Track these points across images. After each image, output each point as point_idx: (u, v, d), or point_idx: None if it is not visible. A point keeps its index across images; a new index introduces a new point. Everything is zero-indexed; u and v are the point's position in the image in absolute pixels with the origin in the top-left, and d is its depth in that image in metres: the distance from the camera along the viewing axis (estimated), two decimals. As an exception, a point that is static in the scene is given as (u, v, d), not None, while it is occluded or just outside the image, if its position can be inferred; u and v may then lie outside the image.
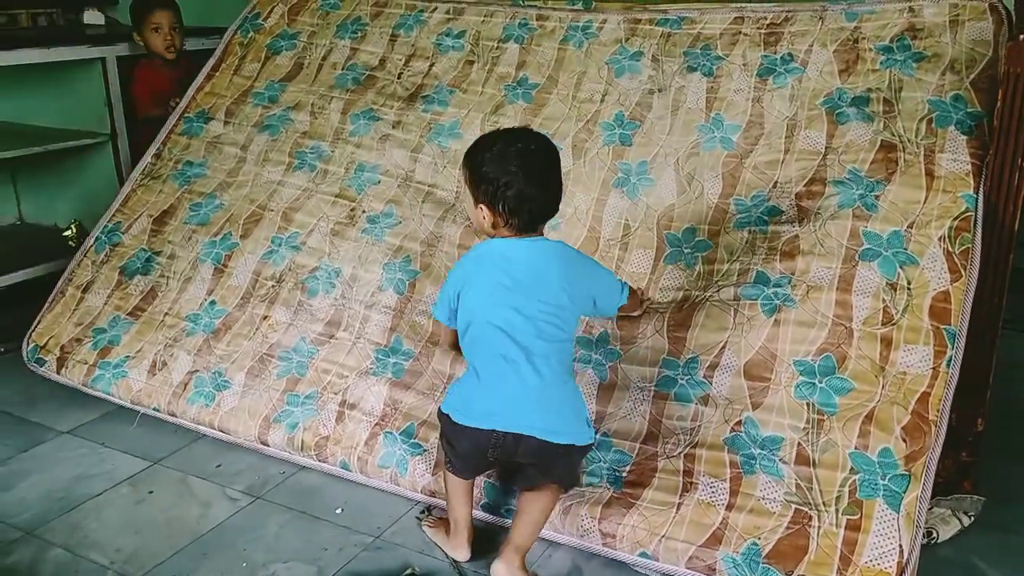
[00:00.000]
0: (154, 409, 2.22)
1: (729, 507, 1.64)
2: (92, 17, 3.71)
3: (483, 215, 1.66)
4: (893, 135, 2.00)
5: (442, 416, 1.71)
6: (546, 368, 1.62)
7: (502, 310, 1.62)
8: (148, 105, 3.10)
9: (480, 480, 1.81)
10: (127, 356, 2.30)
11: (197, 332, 2.30)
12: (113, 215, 2.65)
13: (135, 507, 1.95)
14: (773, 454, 1.69)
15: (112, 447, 2.19)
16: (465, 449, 1.67)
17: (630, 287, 1.87)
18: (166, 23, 3.06)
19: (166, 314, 2.37)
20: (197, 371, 2.21)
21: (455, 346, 1.77)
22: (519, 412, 1.61)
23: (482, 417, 1.62)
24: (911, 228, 1.85)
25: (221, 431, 2.13)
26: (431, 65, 2.68)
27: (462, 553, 1.75)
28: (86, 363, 2.32)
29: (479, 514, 1.82)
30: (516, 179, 1.61)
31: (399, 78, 2.69)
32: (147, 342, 2.31)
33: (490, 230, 1.68)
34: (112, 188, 2.99)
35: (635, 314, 1.98)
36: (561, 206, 2.17)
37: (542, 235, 1.70)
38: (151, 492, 2.01)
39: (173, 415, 2.19)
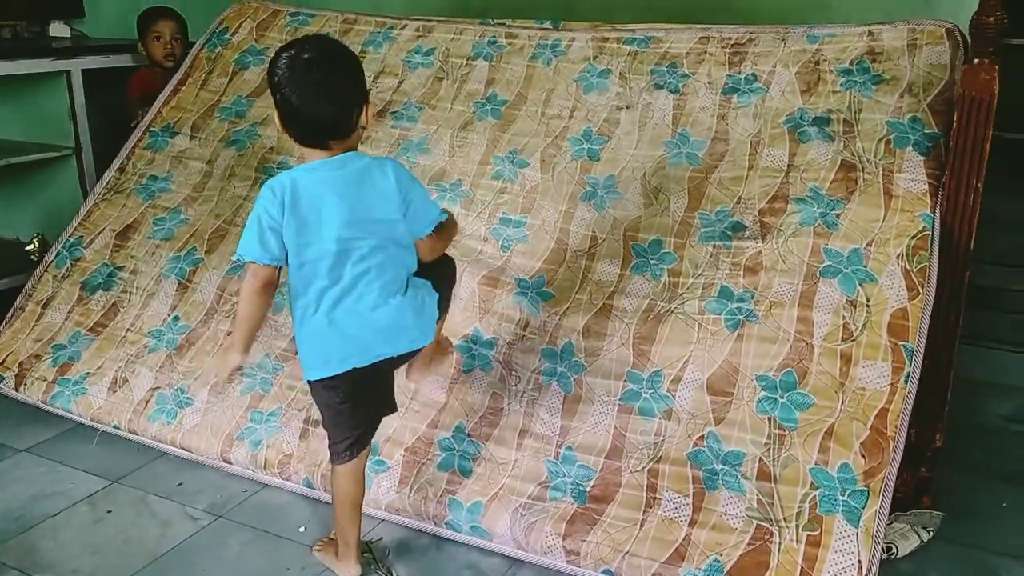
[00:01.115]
0: (114, 427, 2.18)
1: (692, 523, 1.65)
2: (58, 30, 3.68)
3: (275, 116, 1.58)
4: (853, 155, 2.04)
5: (314, 385, 1.64)
6: (385, 291, 1.58)
7: (323, 245, 1.55)
8: (138, 106, 3.05)
9: (445, 498, 1.81)
10: (87, 373, 2.26)
11: (160, 348, 2.27)
12: (75, 229, 2.62)
13: (93, 527, 1.92)
14: (735, 469, 1.70)
15: (71, 465, 2.15)
16: (333, 394, 1.63)
17: (442, 221, 1.68)
18: (168, 32, 3.07)
19: (128, 330, 2.34)
20: (159, 388, 2.19)
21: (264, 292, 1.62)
22: (377, 343, 1.60)
23: (343, 361, 1.59)
24: (870, 246, 1.88)
25: (183, 449, 2.10)
26: (400, 82, 2.68)
27: (353, 570, 1.73)
28: (45, 380, 2.28)
29: (444, 531, 1.82)
30: (283, 88, 1.52)
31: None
32: (108, 358, 2.28)
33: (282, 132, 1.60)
34: (76, 202, 2.96)
35: (439, 251, 1.74)
36: (528, 218, 2.20)
37: (350, 151, 1.59)
38: (110, 511, 1.97)
39: (134, 433, 2.16)
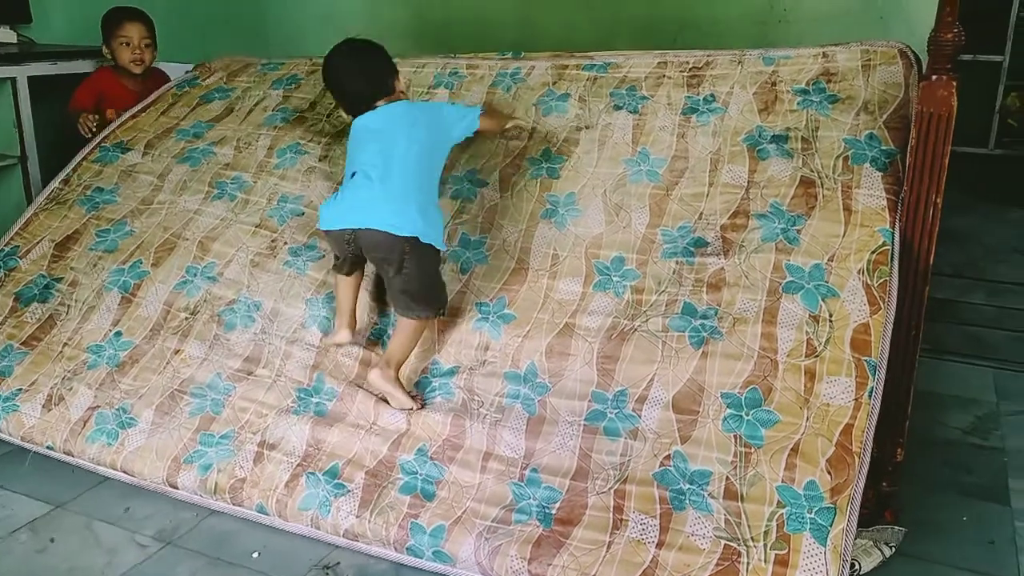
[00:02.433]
0: (47, 447, 2.07)
1: (659, 544, 1.61)
2: (3, 35, 3.56)
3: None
4: (812, 171, 2.05)
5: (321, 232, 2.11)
6: (400, 182, 1.97)
7: (367, 149, 2.03)
8: (82, 106, 2.95)
9: (407, 522, 1.75)
10: (19, 389, 2.15)
11: (100, 365, 2.17)
12: (11, 239, 2.51)
13: (35, 556, 1.82)
14: (702, 489, 1.67)
15: (10, 489, 2.05)
16: (334, 247, 2.06)
17: (483, 108, 2.25)
18: (136, 37, 2.95)
19: (65, 344, 2.24)
20: (99, 407, 2.08)
21: None
22: (366, 212, 1.95)
23: (336, 220, 2.00)
24: (831, 261, 1.88)
25: (125, 472, 2.00)
26: None
27: (343, 335, 2.08)
28: (-27, 397, 2.16)
29: (405, 558, 1.76)
30: (334, 78, 2.16)
31: (328, 118, 2.67)
32: (43, 374, 2.18)
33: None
34: (22, 213, 2.84)
35: (506, 126, 2.39)
36: (488, 238, 2.17)
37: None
38: (52, 540, 1.88)
39: (69, 454, 2.05)
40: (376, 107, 2.09)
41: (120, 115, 2.88)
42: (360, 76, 2.11)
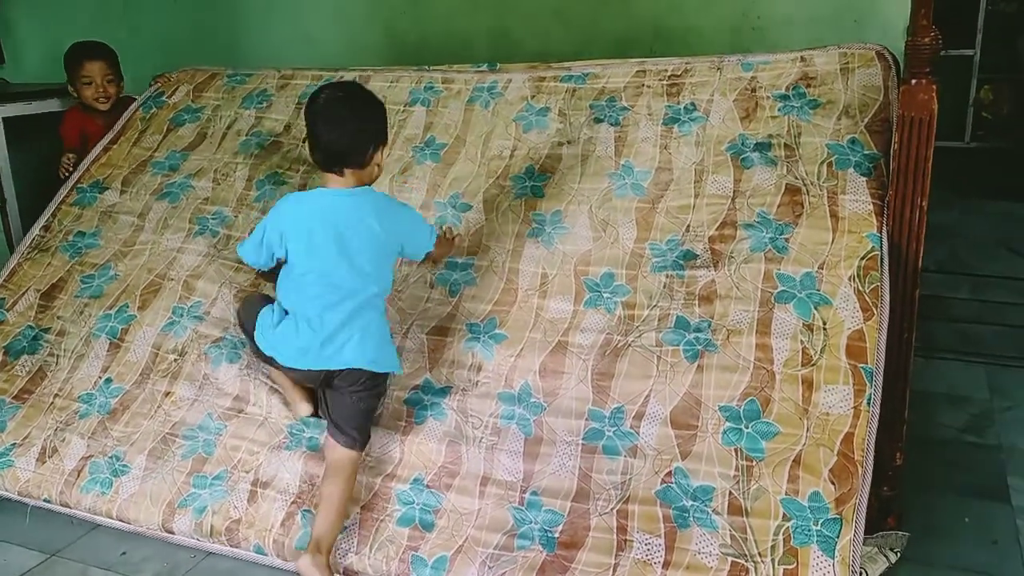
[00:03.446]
0: (44, 500, 2.03)
1: (666, 564, 1.60)
2: (-24, 77, 3.52)
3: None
4: (796, 178, 2.05)
5: (260, 354, 1.95)
6: (372, 314, 1.87)
7: (324, 255, 1.84)
8: (72, 144, 2.92)
9: (407, 556, 1.72)
10: (13, 444, 2.11)
11: (91, 413, 2.14)
12: (-4, 292, 2.47)
13: (28, 609, 1.78)
14: (706, 505, 1.66)
15: (4, 540, 2.01)
16: (292, 376, 1.94)
17: (438, 233, 2.08)
18: (98, 76, 2.91)
19: (56, 395, 2.20)
20: (92, 456, 2.05)
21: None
22: (344, 350, 1.83)
23: (299, 356, 1.86)
24: (822, 269, 1.88)
25: (120, 520, 1.96)
26: None
27: (304, 408, 1.98)
28: (-33, 454, 2.12)
29: None
30: (316, 122, 1.86)
31: (304, 142, 2.64)
32: (35, 427, 2.14)
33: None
34: (3, 258, 2.81)
35: (445, 257, 2.20)
36: (476, 260, 2.15)
37: (361, 184, 1.90)
38: (46, 590, 1.84)
39: (66, 506, 2.01)
40: (343, 176, 1.87)
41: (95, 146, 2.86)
42: (342, 126, 1.85)
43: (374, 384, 1.90)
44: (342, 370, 1.85)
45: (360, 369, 1.85)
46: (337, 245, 1.84)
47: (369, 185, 1.92)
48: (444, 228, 2.25)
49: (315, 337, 1.84)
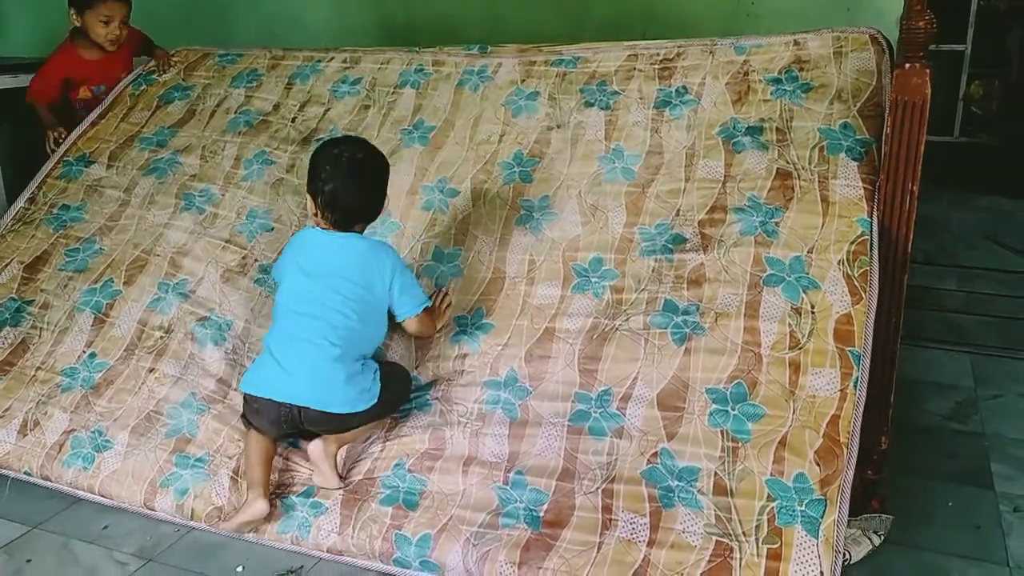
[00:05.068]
0: (25, 473, 2.01)
1: (650, 543, 1.60)
2: (-36, 53, 3.47)
3: (309, 203, 1.93)
4: (788, 163, 2.05)
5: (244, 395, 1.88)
6: (330, 347, 1.80)
7: (296, 290, 1.86)
8: (44, 98, 2.85)
9: (391, 534, 1.72)
10: (-7, 417, 2.09)
11: (74, 388, 2.11)
12: (-22, 264, 2.44)
13: (10, 580, 1.76)
14: (691, 485, 1.66)
15: (-17, 513, 1.99)
16: (261, 421, 1.84)
17: (428, 306, 1.98)
18: (118, 17, 2.83)
19: (38, 368, 2.18)
20: (74, 430, 2.03)
21: None
22: (299, 386, 1.79)
23: (266, 388, 1.81)
24: (811, 253, 1.88)
25: (102, 496, 1.95)
26: (326, 110, 2.63)
27: (258, 507, 1.77)
28: (-54, 427, 2.09)
29: (391, 569, 1.73)
30: (335, 179, 1.86)
31: (293, 122, 2.63)
32: (16, 399, 2.11)
33: (313, 219, 1.94)
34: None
35: (428, 334, 2.05)
36: (463, 250, 2.14)
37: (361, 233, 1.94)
38: (29, 560, 1.82)
39: (47, 479, 1.99)
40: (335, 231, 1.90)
41: (94, 91, 2.85)
42: (376, 194, 1.93)
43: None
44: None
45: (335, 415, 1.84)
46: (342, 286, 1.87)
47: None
48: (440, 293, 2.12)
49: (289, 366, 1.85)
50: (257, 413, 1.84)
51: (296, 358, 1.81)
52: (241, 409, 1.93)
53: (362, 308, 1.85)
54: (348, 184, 1.86)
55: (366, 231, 1.99)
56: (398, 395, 1.94)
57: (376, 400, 1.84)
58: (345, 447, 1.88)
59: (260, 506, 1.77)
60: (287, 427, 1.85)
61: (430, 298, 2.03)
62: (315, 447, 1.83)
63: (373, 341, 1.93)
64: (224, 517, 1.83)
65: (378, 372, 1.88)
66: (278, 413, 1.82)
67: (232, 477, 1.89)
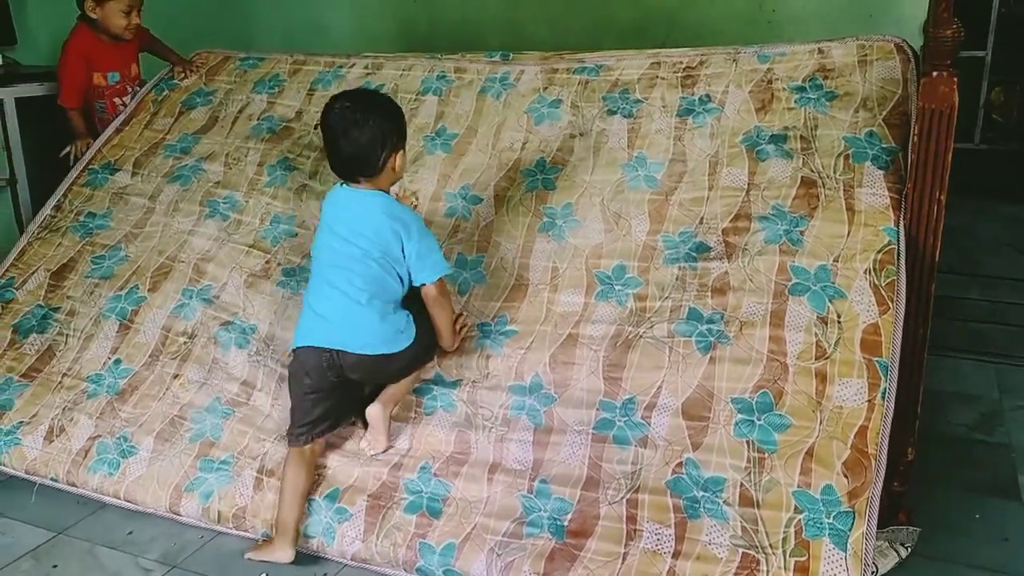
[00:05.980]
0: (51, 479, 2.03)
1: (675, 555, 1.59)
2: (-12, 57, 3.49)
3: None
4: (812, 171, 2.04)
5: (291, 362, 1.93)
6: (359, 291, 1.84)
7: (326, 245, 1.90)
8: (74, 79, 2.85)
9: (415, 543, 1.72)
10: (20, 422, 2.11)
11: (100, 394, 2.13)
12: (6, 270, 2.47)
13: (36, 586, 1.77)
14: (716, 496, 1.65)
15: (11, 517, 2.00)
16: (307, 375, 1.85)
17: (443, 275, 1.94)
18: (138, 6, 2.84)
19: (65, 375, 2.19)
20: (100, 436, 2.04)
21: None
22: (336, 330, 1.84)
23: (307, 336, 1.86)
24: (837, 262, 1.87)
25: (128, 501, 1.96)
26: None
27: (287, 554, 1.78)
28: (-26, 432, 2.11)
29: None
30: (326, 132, 1.87)
31: (315, 129, 2.63)
32: (43, 406, 2.13)
33: None
34: (12, 235, 2.83)
35: (446, 308, 1.98)
36: (485, 257, 2.14)
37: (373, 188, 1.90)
38: (55, 566, 1.83)
39: (73, 485, 2.01)
40: (357, 183, 1.89)
41: (108, 80, 2.87)
42: (350, 136, 1.83)
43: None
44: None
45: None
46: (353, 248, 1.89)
47: (384, 190, 1.92)
48: (456, 315, 2.06)
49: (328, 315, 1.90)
50: (303, 366, 1.86)
51: (329, 304, 1.86)
52: (266, 411, 1.95)
53: (383, 260, 1.87)
54: (336, 137, 1.85)
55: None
56: (433, 339, 1.98)
57: (413, 340, 1.89)
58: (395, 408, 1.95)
59: (287, 554, 1.79)
60: (331, 374, 1.86)
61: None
62: (374, 409, 1.89)
63: (400, 290, 1.92)
64: (247, 517, 1.85)
65: (411, 317, 1.92)
66: (319, 359, 1.84)
67: (256, 477, 1.90)
